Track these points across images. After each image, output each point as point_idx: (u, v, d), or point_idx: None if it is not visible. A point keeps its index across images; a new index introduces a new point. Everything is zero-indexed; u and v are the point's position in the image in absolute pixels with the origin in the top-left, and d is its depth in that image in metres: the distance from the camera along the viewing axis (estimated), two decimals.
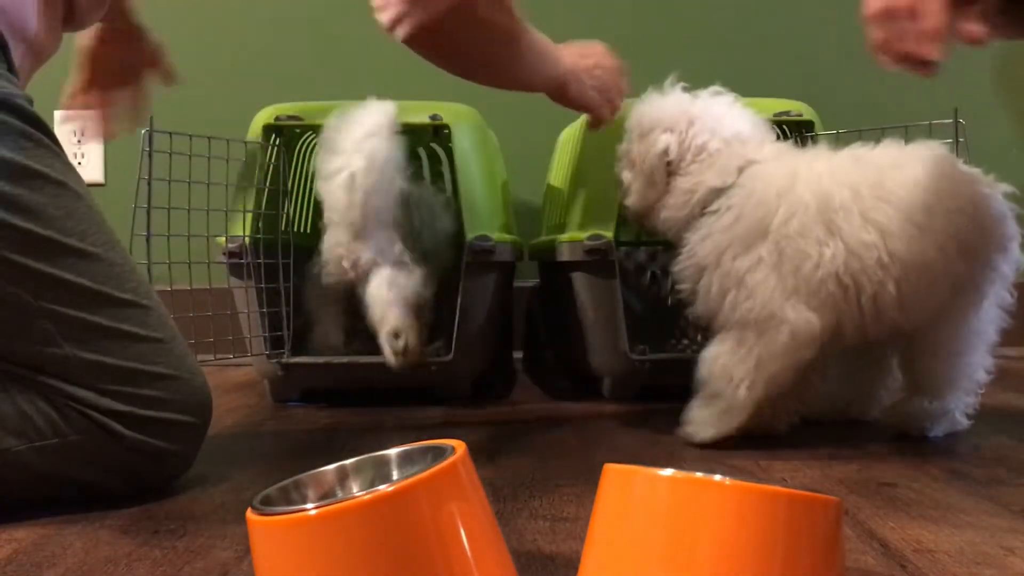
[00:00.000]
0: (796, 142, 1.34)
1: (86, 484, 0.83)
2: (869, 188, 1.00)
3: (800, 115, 1.38)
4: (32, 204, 0.80)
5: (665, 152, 1.09)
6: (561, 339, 1.55)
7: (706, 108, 1.11)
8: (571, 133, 1.49)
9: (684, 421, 1.06)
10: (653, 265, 1.56)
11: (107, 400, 0.81)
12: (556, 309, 1.52)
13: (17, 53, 0.87)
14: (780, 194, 1.01)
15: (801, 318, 0.98)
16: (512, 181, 1.63)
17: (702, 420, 1.05)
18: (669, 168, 1.10)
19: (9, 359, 0.81)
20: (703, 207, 1.07)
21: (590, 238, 1.28)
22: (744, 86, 1.45)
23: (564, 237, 1.34)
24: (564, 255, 1.33)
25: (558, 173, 1.53)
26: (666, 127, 1.11)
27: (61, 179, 0.83)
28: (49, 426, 0.80)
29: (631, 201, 1.15)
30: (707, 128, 1.10)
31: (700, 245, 1.05)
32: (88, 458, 0.82)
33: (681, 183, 1.09)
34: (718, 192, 1.06)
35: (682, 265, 1.07)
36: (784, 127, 1.39)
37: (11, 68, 0.86)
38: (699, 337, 1.52)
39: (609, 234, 1.29)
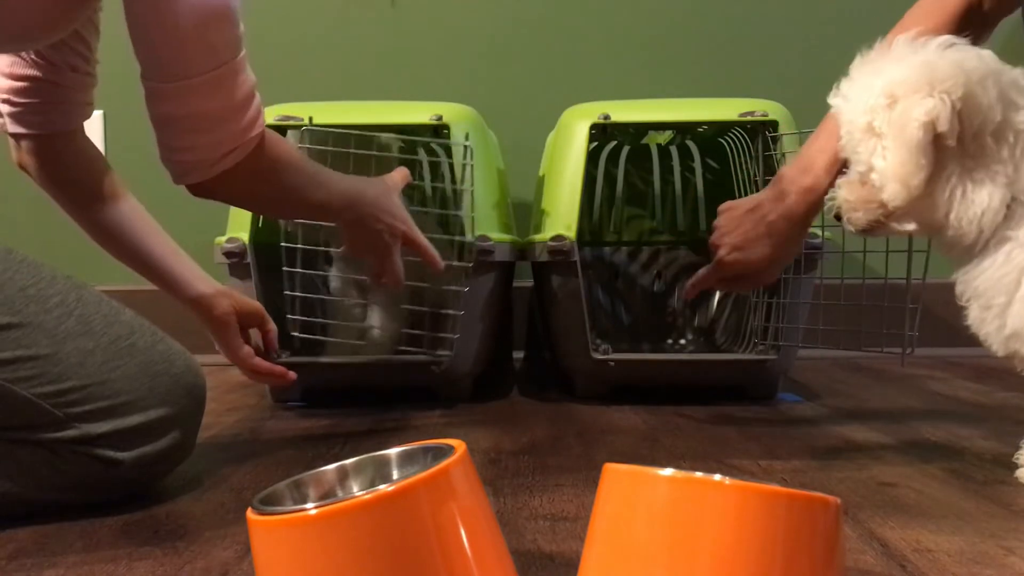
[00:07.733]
0: (760, 142, 1.33)
1: (91, 502, 0.82)
2: None
3: (765, 115, 1.34)
4: None
5: (933, 124, 0.79)
6: (547, 338, 1.55)
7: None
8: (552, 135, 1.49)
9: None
10: (643, 272, 1.56)
11: (87, 425, 0.79)
12: (541, 308, 1.53)
13: None
14: None
15: None
16: (511, 181, 1.63)
17: None
18: (938, 143, 0.80)
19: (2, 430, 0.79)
20: None
21: (553, 239, 1.29)
22: (722, 86, 1.44)
23: (537, 237, 1.35)
24: (536, 255, 1.34)
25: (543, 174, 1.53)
26: (937, 89, 0.80)
27: None
28: (50, 470, 0.79)
29: (891, 195, 0.82)
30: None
31: None
32: (94, 486, 0.81)
33: (978, 195, 0.81)
34: None
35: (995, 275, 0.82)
36: (747, 127, 1.37)
37: None
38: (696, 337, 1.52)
39: (571, 234, 1.29)
